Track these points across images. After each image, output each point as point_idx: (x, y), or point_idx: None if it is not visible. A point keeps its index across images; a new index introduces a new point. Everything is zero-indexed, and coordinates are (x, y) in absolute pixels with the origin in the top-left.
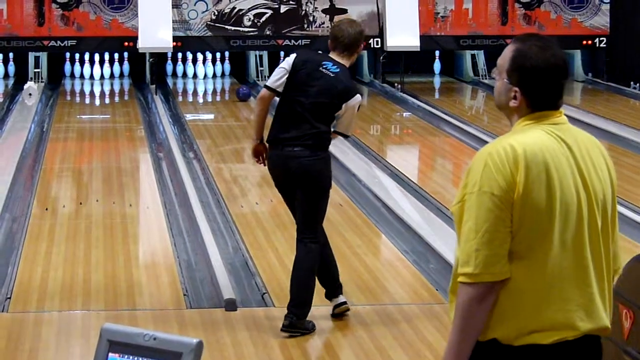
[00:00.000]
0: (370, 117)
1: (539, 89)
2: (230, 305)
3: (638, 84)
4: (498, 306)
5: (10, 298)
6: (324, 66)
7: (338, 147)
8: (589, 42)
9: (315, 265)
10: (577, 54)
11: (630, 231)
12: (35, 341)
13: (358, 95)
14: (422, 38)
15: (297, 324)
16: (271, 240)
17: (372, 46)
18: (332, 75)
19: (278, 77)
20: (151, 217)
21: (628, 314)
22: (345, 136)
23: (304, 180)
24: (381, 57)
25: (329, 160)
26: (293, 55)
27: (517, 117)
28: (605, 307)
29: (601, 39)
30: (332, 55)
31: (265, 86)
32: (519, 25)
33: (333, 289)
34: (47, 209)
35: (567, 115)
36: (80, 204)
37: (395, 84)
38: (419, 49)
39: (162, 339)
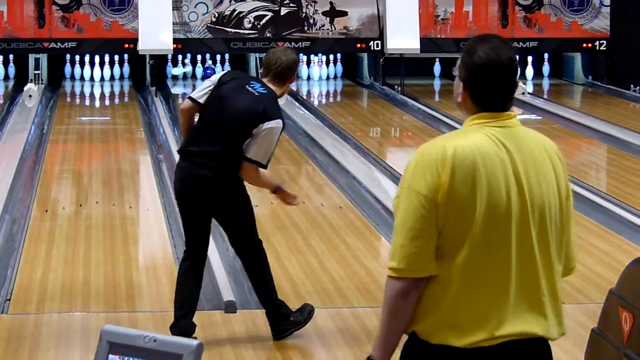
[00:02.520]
0: (370, 120)
1: (480, 86)
2: (230, 307)
3: (638, 87)
4: (421, 300)
5: (10, 299)
6: (251, 85)
7: (337, 149)
8: (589, 45)
9: (265, 269)
10: (578, 57)
11: (631, 234)
12: (35, 343)
13: (279, 121)
14: (422, 41)
15: (284, 327)
16: (271, 242)
17: (372, 49)
18: (256, 94)
19: (202, 89)
20: (151, 219)
21: (628, 316)
22: (262, 165)
23: (215, 207)
24: (381, 60)
25: (235, 179)
26: (223, 72)
27: (467, 115)
28: (541, 313)
29: (601, 42)
30: (264, 80)
31: (188, 97)
32: (519, 28)
33: (184, 317)
34: (47, 211)
35: (568, 119)
36: (80, 205)
37: (395, 87)
38: (419, 52)
39: (162, 341)
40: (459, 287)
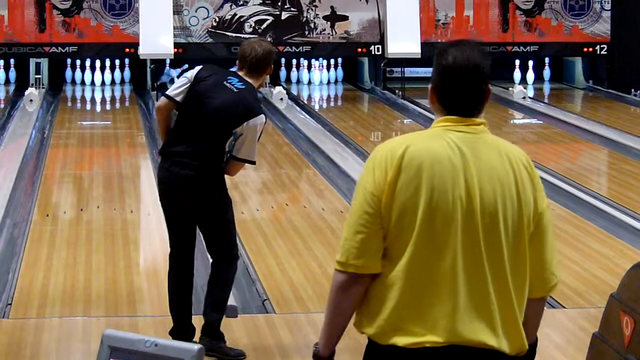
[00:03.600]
0: (371, 124)
1: (446, 89)
2: (231, 312)
3: (639, 91)
4: (368, 301)
5: (11, 304)
6: (229, 81)
7: (338, 153)
8: (590, 49)
9: (230, 285)
10: (578, 61)
11: (632, 238)
12: (36, 347)
13: (262, 116)
14: (423, 45)
15: (212, 346)
16: (272, 246)
17: (373, 53)
18: (235, 90)
19: (178, 86)
20: (152, 223)
21: (629, 321)
22: (252, 162)
23: (196, 207)
24: (382, 64)
25: (219, 178)
26: (198, 67)
27: (436, 116)
28: (490, 324)
29: (602, 46)
30: (240, 74)
31: (164, 94)
32: (520, 33)
33: (183, 328)
34: (47, 215)
35: (568, 123)
36: (81, 210)
37: (396, 91)
38: (419, 56)
39: (163, 345)
40: (404, 289)
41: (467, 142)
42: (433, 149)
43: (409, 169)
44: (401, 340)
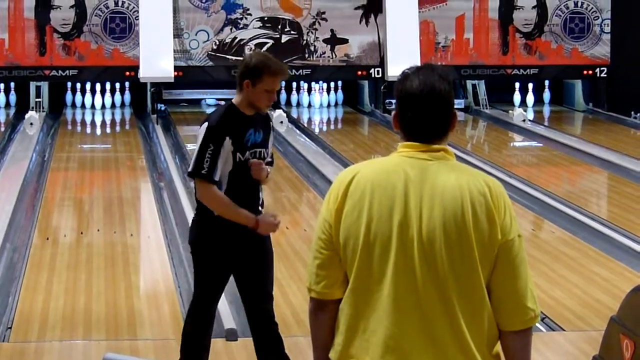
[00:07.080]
0: (371, 147)
1: (404, 115)
2: (231, 335)
3: (639, 114)
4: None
5: (11, 328)
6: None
7: None
8: (590, 72)
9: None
10: (578, 84)
11: (632, 261)
12: None
13: (205, 124)
14: None
15: None
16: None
17: (373, 76)
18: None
19: None
20: (152, 246)
21: (629, 344)
22: (194, 174)
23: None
24: (382, 87)
25: (204, 223)
26: None
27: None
28: (437, 351)
29: (602, 68)
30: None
31: None
32: (520, 55)
33: None
34: (48, 239)
35: (568, 146)
36: (82, 233)
37: None
38: None
39: None
40: (349, 315)
41: (418, 168)
42: (379, 175)
43: (354, 195)
44: None
